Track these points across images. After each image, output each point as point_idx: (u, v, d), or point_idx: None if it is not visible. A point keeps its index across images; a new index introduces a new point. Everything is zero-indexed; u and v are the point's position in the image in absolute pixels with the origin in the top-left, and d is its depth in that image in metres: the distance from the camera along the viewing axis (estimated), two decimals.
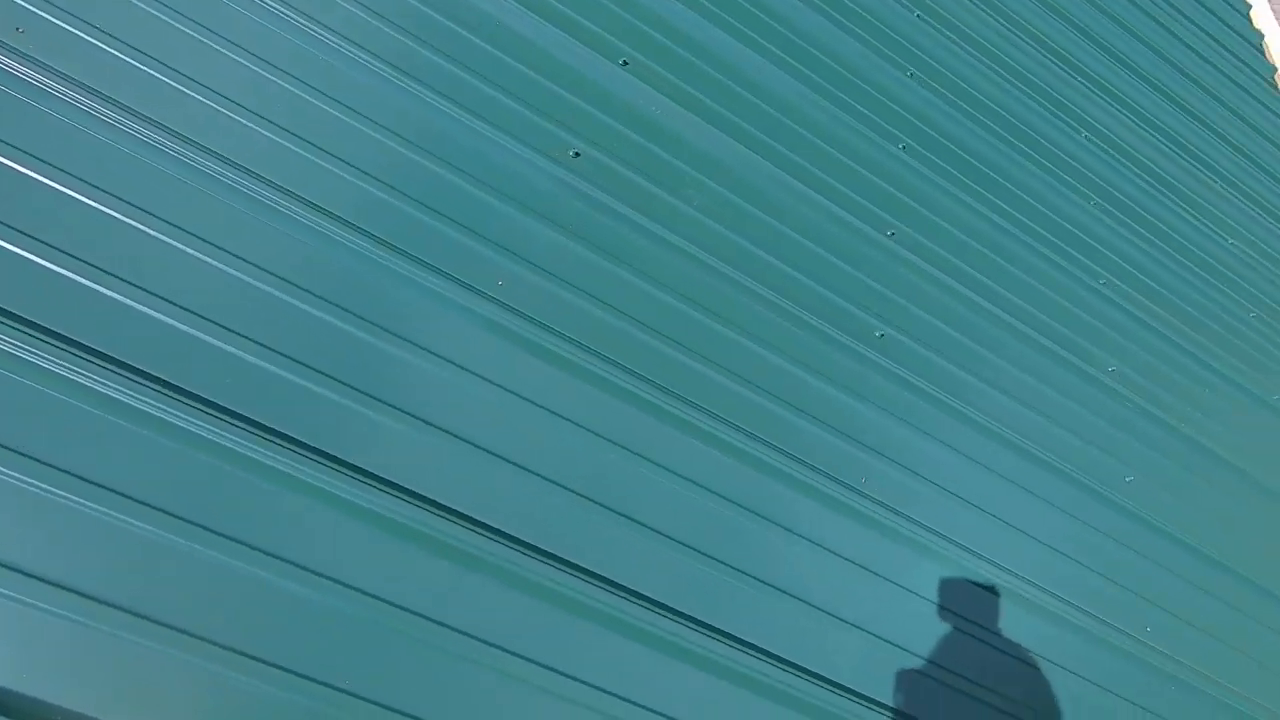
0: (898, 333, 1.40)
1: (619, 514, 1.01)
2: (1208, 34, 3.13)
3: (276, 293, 0.92)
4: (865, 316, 1.38)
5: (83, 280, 0.84)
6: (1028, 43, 2.29)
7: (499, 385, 1.00)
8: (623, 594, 0.96)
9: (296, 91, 1.04)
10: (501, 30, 1.24)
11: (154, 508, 0.78)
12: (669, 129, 1.35)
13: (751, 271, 1.31)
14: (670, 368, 1.14)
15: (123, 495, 0.77)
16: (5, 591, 0.71)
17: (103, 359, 0.81)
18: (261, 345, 0.88)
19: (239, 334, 0.88)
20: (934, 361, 1.42)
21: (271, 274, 0.92)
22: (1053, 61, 2.31)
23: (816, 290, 1.36)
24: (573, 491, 0.98)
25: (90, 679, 0.71)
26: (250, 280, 0.91)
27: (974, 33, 2.13)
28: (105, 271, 0.85)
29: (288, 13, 1.07)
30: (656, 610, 0.98)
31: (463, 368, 0.99)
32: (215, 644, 0.76)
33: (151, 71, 0.96)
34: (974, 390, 1.44)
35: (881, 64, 1.80)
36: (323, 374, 0.90)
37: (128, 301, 0.84)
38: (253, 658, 0.77)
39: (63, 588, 0.73)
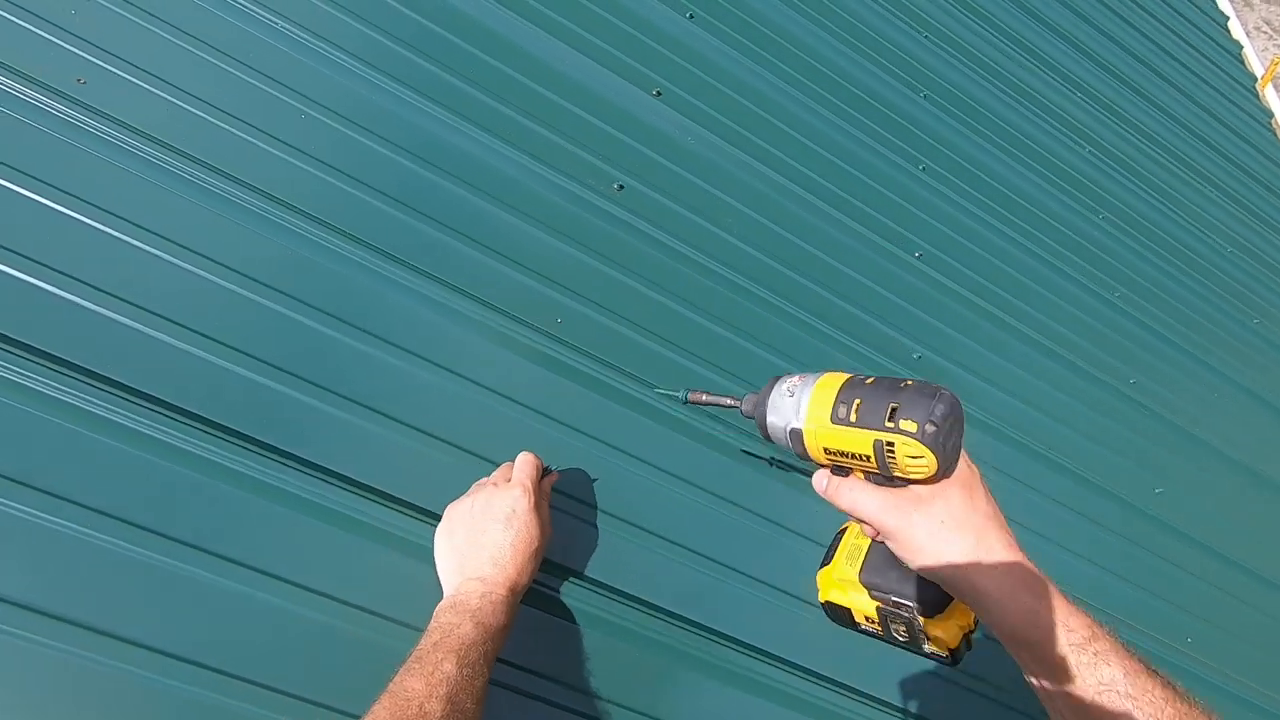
0: (933, 354, 1.42)
1: (639, 528, 0.98)
2: (1189, 44, 3.23)
3: (262, 300, 0.91)
4: (901, 339, 1.40)
5: (25, 277, 0.79)
6: (1029, 60, 2.35)
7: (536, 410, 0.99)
8: (658, 614, 0.96)
9: (345, 131, 1.03)
10: (532, 62, 1.25)
11: (120, 520, 0.72)
12: (704, 158, 1.36)
13: (789, 295, 1.32)
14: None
15: (66, 499, 0.71)
16: None
17: (43, 356, 0.77)
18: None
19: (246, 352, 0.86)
20: (968, 380, 1.44)
21: (258, 281, 0.91)
22: (1054, 78, 2.36)
23: (853, 313, 1.37)
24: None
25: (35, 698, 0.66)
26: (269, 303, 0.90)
27: (979, 52, 2.18)
28: (52, 269, 0.79)
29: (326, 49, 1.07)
30: (661, 616, 0.97)
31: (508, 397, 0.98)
32: (173, 657, 0.71)
33: (102, 63, 0.92)
34: (1011, 409, 1.46)
35: (898, 86, 1.83)
36: (338, 394, 0.89)
37: (81, 301, 0.79)
38: (232, 675, 0.72)
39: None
